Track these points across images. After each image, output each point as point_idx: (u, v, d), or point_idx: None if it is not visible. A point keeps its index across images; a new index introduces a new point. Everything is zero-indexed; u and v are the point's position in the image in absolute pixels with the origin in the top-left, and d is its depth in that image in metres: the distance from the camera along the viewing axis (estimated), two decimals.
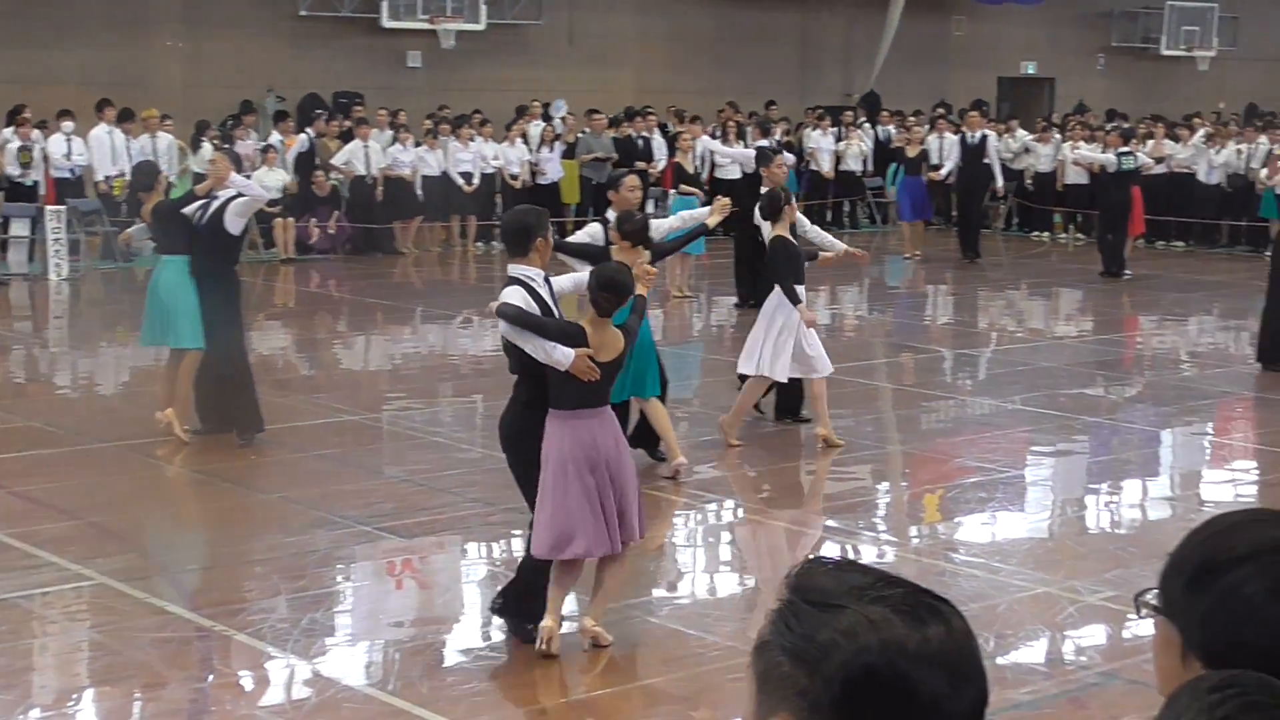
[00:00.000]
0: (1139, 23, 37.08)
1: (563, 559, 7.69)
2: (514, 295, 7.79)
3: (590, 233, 11.24)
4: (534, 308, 7.79)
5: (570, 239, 11.58)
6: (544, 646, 7.66)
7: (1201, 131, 27.85)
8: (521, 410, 7.89)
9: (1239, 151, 26.96)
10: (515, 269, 7.99)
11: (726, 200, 11.87)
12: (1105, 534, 10.75)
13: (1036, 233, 28.54)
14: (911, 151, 26.39)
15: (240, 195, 12.15)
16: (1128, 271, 23.25)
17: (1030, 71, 36.47)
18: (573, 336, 7.66)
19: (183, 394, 12.34)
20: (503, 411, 8.17)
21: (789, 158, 21.57)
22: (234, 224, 12.15)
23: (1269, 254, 25.36)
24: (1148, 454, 12.76)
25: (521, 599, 7.99)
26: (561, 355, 7.58)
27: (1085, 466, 12.34)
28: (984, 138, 25.59)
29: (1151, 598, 2.18)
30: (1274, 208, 24.98)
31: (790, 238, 12.14)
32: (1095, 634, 8.49)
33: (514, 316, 7.68)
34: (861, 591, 1.76)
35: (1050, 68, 36.51)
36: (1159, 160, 26.35)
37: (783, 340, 12.06)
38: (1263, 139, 26.80)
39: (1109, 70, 37.11)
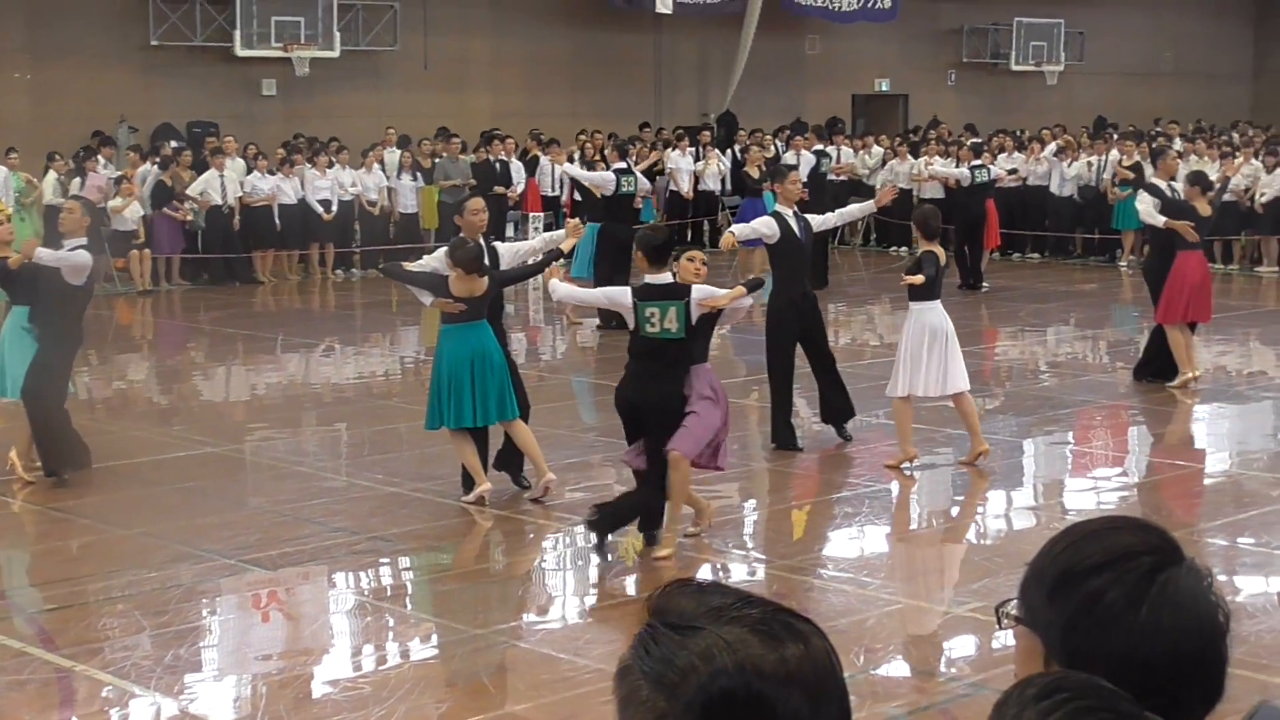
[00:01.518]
0: (988, 39, 37.63)
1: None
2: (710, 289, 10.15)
3: (438, 258, 11.23)
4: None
5: (412, 266, 11.60)
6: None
7: (1053, 145, 28.33)
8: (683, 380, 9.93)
9: (1089, 164, 27.44)
10: (658, 278, 9.93)
11: (576, 221, 11.90)
12: (971, 545, 10.85)
13: (895, 248, 28.81)
14: (754, 173, 26.55)
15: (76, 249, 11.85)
16: (985, 284, 23.56)
17: (884, 88, 36.88)
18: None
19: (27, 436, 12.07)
20: (661, 389, 9.80)
21: (644, 183, 21.69)
22: (71, 276, 11.81)
23: (1124, 266, 26.00)
24: (1011, 464, 12.89)
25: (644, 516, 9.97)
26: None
27: (949, 478, 12.44)
28: (818, 155, 25.98)
29: (1012, 608, 2.18)
30: (1126, 219, 25.45)
31: (940, 254, 12.24)
32: (964, 645, 8.55)
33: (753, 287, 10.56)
34: (719, 613, 1.75)
35: (903, 84, 36.94)
36: (1012, 172, 26.76)
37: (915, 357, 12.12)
38: (1113, 151, 27.30)
39: (960, 86, 37.61)
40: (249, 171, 25.00)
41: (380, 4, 29.25)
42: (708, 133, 30.38)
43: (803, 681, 1.72)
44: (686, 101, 33.61)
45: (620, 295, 10.12)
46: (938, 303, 12.20)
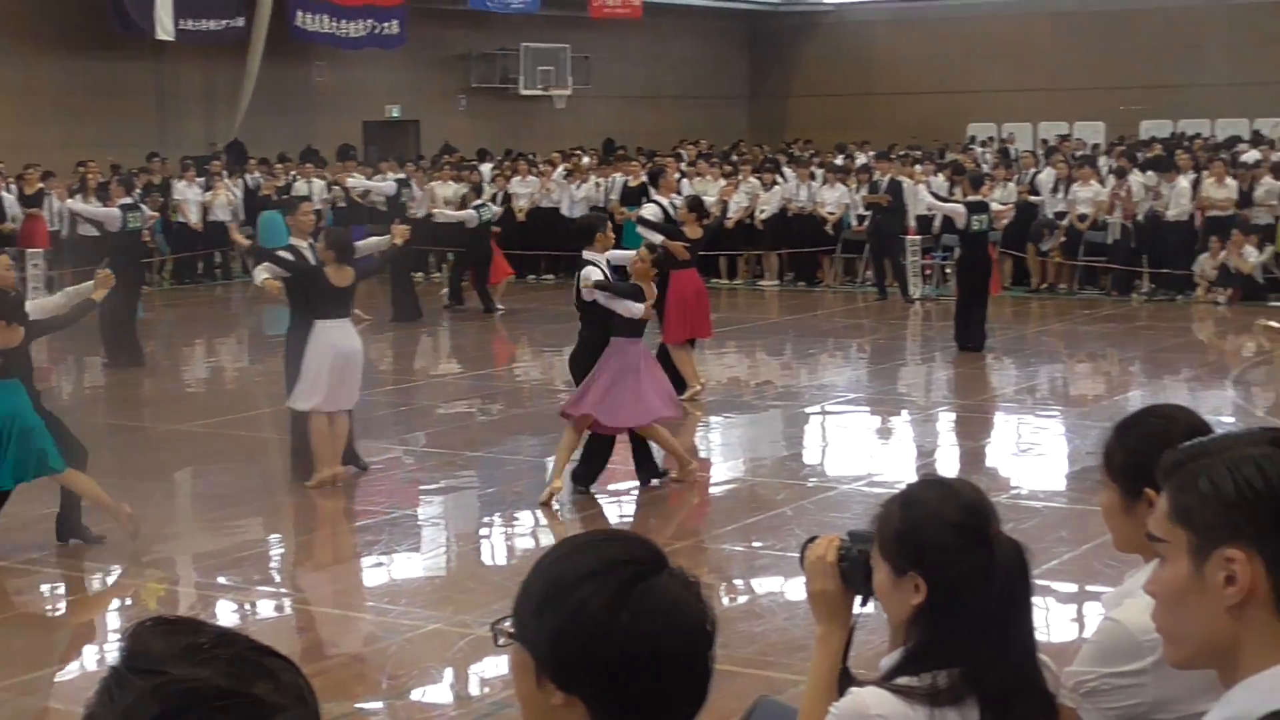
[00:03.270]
0: (497, 64, 38.11)
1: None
2: (595, 272, 11.90)
3: None
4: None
5: None
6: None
7: (561, 168, 28.89)
8: (586, 346, 12.17)
9: (598, 185, 28.12)
10: (587, 254, 12.19)
11: (108, 272, 11.63)
12: (496, 566, 10.97)
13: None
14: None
15: None
16: (499, 306, 23.81)
17: (395, 114, 36.91)
18: (638, 294, 11.63)
19: None
20: (574, 350, 12.45)
21: (150, 215, 21.10)
22: None
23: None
24: (535, 483, 13.01)
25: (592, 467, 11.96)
26: (637, 308, 11.54)
27: (474, 500, 12.52)
28: (400, 184, 25.74)
29: (507, 625, 2.21)
30: (631, 238, 26.14)
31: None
32: (490, 664, 8.61)
33: (607, 287, 11.68)
34: (189, 654, 1.72)
35: (415, 110, 37.04)
36: (505, 200, 27.10)
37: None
38: (617, 174, 28.04)
39: (472, 111, 37.97)
40: None
41: None
42: (217, 162, 29.75)
43: None
44: (193, 130, 32.83)
45: None
46: (347, 321, 12.48)
